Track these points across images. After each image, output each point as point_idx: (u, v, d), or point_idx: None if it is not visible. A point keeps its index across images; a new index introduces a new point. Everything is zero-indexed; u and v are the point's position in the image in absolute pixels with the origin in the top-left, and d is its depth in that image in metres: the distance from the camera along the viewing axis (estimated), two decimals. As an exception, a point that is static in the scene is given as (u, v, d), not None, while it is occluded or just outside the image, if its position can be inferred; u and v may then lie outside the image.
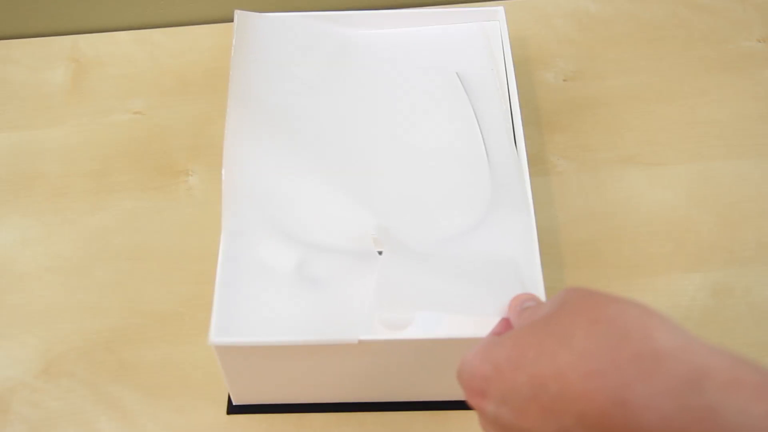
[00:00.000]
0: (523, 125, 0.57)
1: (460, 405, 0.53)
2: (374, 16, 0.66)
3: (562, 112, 0.70)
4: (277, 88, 0.61)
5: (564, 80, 0.72)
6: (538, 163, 0.66)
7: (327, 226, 0.54)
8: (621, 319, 0.32)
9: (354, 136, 0.60)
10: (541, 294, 0.49)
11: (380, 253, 0.53)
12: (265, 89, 0.60)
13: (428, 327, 0.49)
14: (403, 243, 0.53)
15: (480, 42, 0.64)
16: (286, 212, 0.55)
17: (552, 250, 0.61)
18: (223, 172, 0.55)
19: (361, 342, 0.47)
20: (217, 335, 0.48)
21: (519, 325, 0.41)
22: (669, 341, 0.31)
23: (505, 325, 0.44)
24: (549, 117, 0.69)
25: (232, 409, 0.54)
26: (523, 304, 0.43)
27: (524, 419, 0.33)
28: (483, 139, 0.57)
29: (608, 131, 0.68)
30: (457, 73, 0.62)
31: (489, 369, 0.35)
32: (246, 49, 0.61)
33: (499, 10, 0.64)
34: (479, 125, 0.58)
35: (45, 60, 0.75)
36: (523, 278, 0.50)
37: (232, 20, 0.77)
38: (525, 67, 0.72)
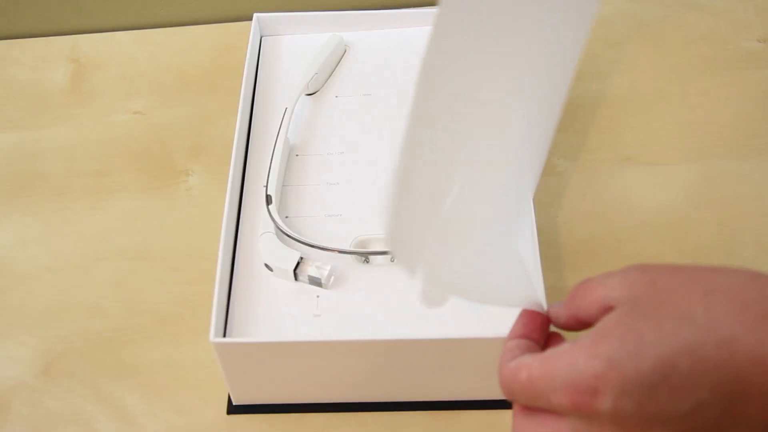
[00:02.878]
0: (523, 125, 0.57)
1: (460, 405, 0.53)
2: (374, 16, 0.66)
3: (562, 112, 0.70)
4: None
5: (564, 80, 0.72)
6: (538, 163, 0.66)
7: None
8: (732, 288, 0.33)
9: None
10: (541, 294, 0.49)
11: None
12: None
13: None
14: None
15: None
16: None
17: (552, 250, 0.61)
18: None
19: (361, 342, 0.47)
20: (217, 335, 0.48)
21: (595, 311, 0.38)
22: None
23: (530, 321, 0.40)
24: (549, 117, 0.69)
25: (232, 409, 0.54)
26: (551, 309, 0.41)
27: (652, 405, 0.33)
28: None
29: (608, 131, 0.68)
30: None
31: (600, 365, 0.34)
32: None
33: (499, 10, 0.64)
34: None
35: (45, 60, 0.75)
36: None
37: (232, 20, 0.78)
38: (525, 67, 0.72)
